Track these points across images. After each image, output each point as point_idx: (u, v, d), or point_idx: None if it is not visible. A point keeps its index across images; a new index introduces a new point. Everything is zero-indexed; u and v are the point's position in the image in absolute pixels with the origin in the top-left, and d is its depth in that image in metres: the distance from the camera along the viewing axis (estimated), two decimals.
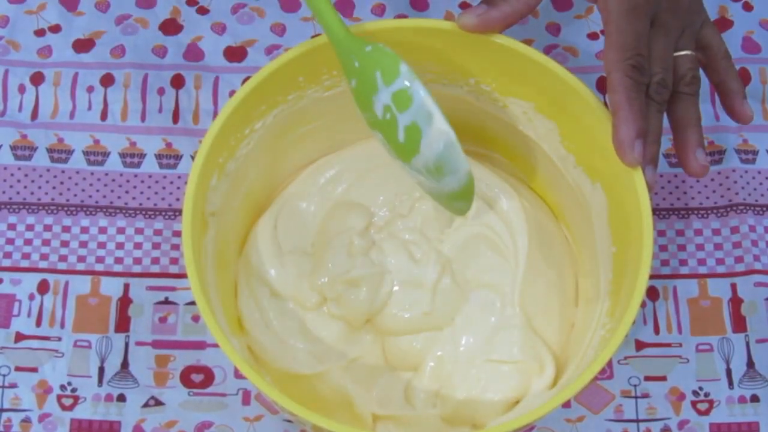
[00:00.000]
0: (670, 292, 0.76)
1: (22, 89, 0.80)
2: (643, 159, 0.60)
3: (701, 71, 0.64)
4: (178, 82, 0.81)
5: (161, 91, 0.81)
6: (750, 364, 0.74)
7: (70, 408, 0.72)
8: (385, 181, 0.72)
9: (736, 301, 0.75)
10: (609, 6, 0.60)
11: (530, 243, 0.71)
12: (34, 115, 0.80)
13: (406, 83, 0.59)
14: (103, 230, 0.77)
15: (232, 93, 0.80)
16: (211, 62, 0.82)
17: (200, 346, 0.74)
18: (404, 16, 0.83)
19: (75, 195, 0.78)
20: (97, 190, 0.78)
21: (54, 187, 0.78)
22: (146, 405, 0.72)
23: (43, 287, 0.75)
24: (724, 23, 0.83)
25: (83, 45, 0.82)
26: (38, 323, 0.74)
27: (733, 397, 0.73)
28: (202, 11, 0.83)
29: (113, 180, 0.78)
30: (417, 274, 0.70)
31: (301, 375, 0.68)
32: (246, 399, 0.73)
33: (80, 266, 0.76)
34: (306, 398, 0.67)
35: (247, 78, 0.64)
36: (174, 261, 0.76)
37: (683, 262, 0.76)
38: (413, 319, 0.69)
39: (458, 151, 0.60)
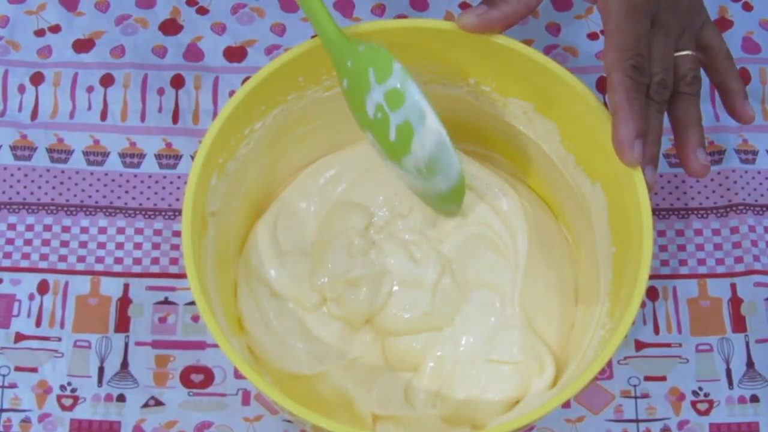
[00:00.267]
0: (670, 292, 0.76)
1: (21, 89, 0.80)
2: (643, 159, 0.60)
3: (702, 71, 0.64)
4: (178, 82, 0.81)
5: (161, 91, 0.81)
6: (750, 364, 0.74)
7: (70, 408, 0.72)
8: (385, 181, 0.72)
9: (735, 301, 0.75)
10: (609, 6, 0.60)
11: (530, 243, 0.71)
12: (34, 115, 0.80)
13: (399, 81, 0.59)
14: (102, 230, 0.77)
15: (232, 93, 0.80)
16: (211, 62, 0.82)
17: (200, 346, 0.74)
18: (404, 16, 0.83)
19: (75, 195, 0.78)
20: (97, 190, 0.78)
21: (54, 187, 0.78)
22: (146, 405, 0.72)
23: (42, 287, 0.75)
24: (724, 23, 0.83)
25: (83, 45, 0.82)
26: (38, 323, 0.74)
27: (733, 398, 0.73)
28: (202, 11, 0.83)
29: (113, 180, 0.78)
30: (417, 274, 0.70)
31: (301, 375, 0.68)
32: (246, 399, 0.73)
33: (80, 266, 0.76)
34: (306, 398, 0.67)
35: (247, 78, 0.64)
36: (174, 261, 0.76)
37: (683, 262, 0.76)
38: (413, 319, 0.69)
39: (450, 150, 0.59)
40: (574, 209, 0.71)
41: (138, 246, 0.76)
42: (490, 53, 0.65)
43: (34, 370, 0.73)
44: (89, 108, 0.80)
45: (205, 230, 0.65)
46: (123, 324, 0.74)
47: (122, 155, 0.79)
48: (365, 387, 0.69)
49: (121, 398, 0.72)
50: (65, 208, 0.77)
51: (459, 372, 0.69)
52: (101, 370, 0.73)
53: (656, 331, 0.75)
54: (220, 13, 0.83)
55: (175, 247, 0.76)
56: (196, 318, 0.74)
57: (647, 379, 0.73)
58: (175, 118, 0.80)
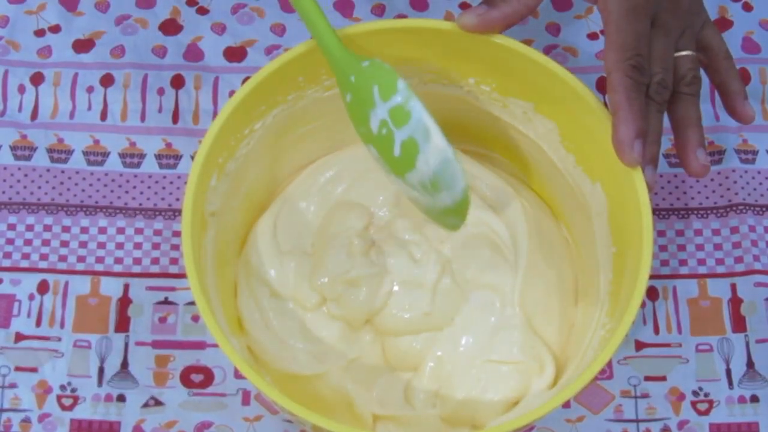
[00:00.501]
0: (670, 292, 0.76)
1: (21, 89, 0.80)
2: (643, 159, 0.60)
3: (702, 72, 0.64)
4: (177, 82, 0.81)
5: (161, 92, 0.81)
6: (750, 364, 0.74)
7: (70, 408, 0.72)
8: (385, 181, 0.72)
9: (735, 301, 0.75)
10: (609, 6, 0.60)
11: (530, 243, 0.71)
12: (34, 115, 0.80)
13: (404, 99, 0.59)
14: (102, 230, 0.77)
15: (232, 93, 0.80)
16: (211, 62, 0.82)
17: (200, 346, 0.74)
18: (404, 16, 0.83)
19: (75, 195, 0.78)
20: (97, 191, 0.78)
21: (54, 187, 0.78)
22: (146, 405, 0.72)
23: (42, 287, 0.75)
24: (724, 23, 0.83)
25: (83, 45, 0.82)
26: (38, 323, 0.74)
27: (733, 398, 0.73)
28: (202, 11, 0.83)
29: (113, 180, 0.78)
30: (417, 274, 0.70)
31: (301, 375, 0.68)
32: (246, 399, 0.73)
33: (80, 266, 0.76)
34: (306, 398, 0.67)
35: (247, 78, 0.64)
36: (174, 261, 0.76)
37: (683, 262, 0.76)
38: (413, 320, 0.69)
39: (455, 168, 0.59)
40: (574, 209, 0.71)
41: (138, 246, 0.76)
42: (490, 53, 0.65)
43: (34, 370, 0.73)
44: (89, 108, 0.80)
45: (205, 230, 0.65)
46: (123, 324, 0.74)
47: (122, 155, 0.79)
48: (365, 387, 0.69)
49: (121, 398, 0.72)
50: (65, 208, 0.77)
51: (459, 372, 0.69)
52: (101, 370, 0.73)
53: (656, 331, 0.75)
54: (220, 13, 0.83)
55: (175, 247, 0.76)
56: (196, 318, 0.74)
57: (647, 379, 0.73)
58: (175, 118, 0.80)
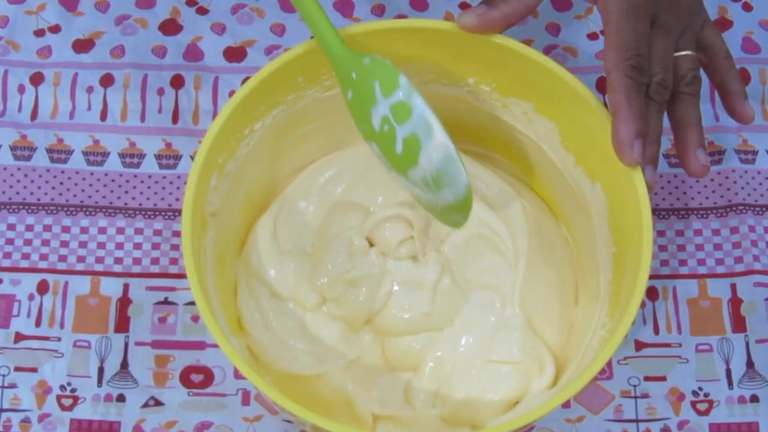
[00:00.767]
0: (670, 292, 0.76)
1: (21, 89, 0.80)
2: (643, 159, 0.60)
3: (702, 72, 0.64)
4: (177, 82, 0.81)
5: (161, 92, 0.81)
6: (750, 364, 0.74)
7: (70, 408, 0.72)
8: (385, 181, 0.72)
9: (735, 302, 0.75)
10: (609, 6, 0.60)
11: (530, 243, 0.71)
12: (34, 115, 0.80)
13: (406, 95, 0.59)
14: (102, 230, 0.77)
15: (231, 93, 0.80)
16: (211, 62, 0.82)
17: (200, 346, 0.74)
18: (404, 16, 0.83)
19: (74, 195, 0.78)
20: (97, 191, 0.78)
21: (53, 188, 0.78)
22: (146, 405, 0.72)
23: (42, 287, 0.75)
24: (724, 23, 0.83)
25: (83, 45, 0.82)
26: (38, 323, 0.74)
27: (733, 398, 0.73)
28: (202, 11, 0.83)
29: (113, 180, 0.78)
30: (417, 274, 0.70)
31: (301, 375, 0.68)
32: (246, 399, 0.73)
33: (80, 266, 0.76)
34: (306, 399, 0.67)
35: (247, 78, 0.64)
36: (174, 261, 0.76)
37: (683, 263, 0.76)
38: (413, 320, 0.69)
39: (458, 164, 0.59)
40: (574, 209, 0.71)
41: (138, 246, 0.76)
42: (490, 53, 0.65)
43: (33, 370, 0.73)
44: (89, 108, 0.80)
45: (205, 230, 0.65)
46: (123, 324, 0.74)
47: (122, 155, 0.79)
48: (365, 387, 0.69)
49: (120, 398, 0.72)
50: (65, 208, 0.77)
51: (459, 372, 0.69)
52: (101, 370, 0.73)
53: (656, 331, 0.75)
54: (220, 13, 0.83)
55: (175, 247, 0.76)
56: (196, 318, 0.74)
57: (647, 379, 0.73)
58: (175, 118, 0.80)
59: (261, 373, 0.67)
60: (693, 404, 0.73)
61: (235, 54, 0.82)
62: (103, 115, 0.80)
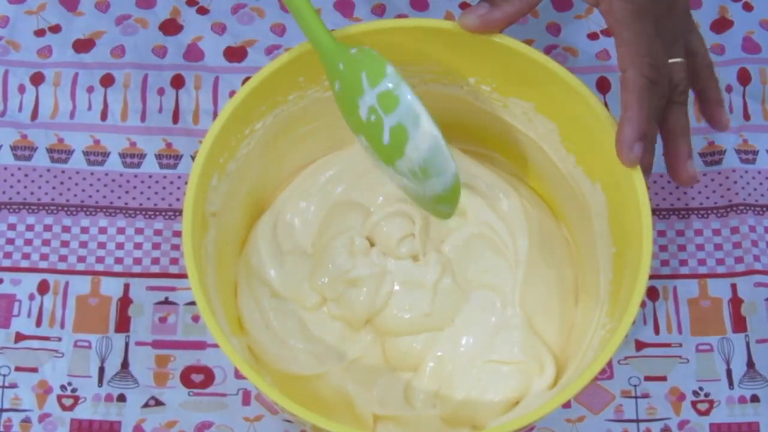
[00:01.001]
0: (670, 292, 0.76)
1: (22, 89, 0.80)
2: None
3: None
4: (178, 82, 0.81)
5: (161, 92, 0.81)
6: (750, 364, 0.74)
7: (70, 408, 0.72)
8: (385, 181, 0.72)
9: (736, 302, 0.75)
10: (613, 7, 0.60)
11: (530, 243, 0.71)
12: (34, 115, 0.80)
13: (392, 84, 0.59)
14: (103, 230, 0.77)
15: (232, 93, 0.80)
16: (211, 62, 0.82)
17: (200, 346, 0.74)
18: (404, 16, 0.83)
19: (75, 195, 0.78)
20: (97, 191, 0.78)
21: (54, 187, 0.78)
22: (146, 405, 0.72)
23: (43, 287, 0.75)
24: (724, 23, 0.83)
25: (83, 45, 0.82)
26: (38, 323, 0.74)
27: (733, 397, 0.73)
28: (202, 11, 0.83)
29: (113, 180, 0.78)
30: (417, 274, 0.70)
31: (302, 375, 0.68)
32: (246, 399, 0.73)
33: (80, 266, 0.76)
34: (306, 399, 0.67)
35: (247, 78, 0.64)
36: (174, 261, 0.76)
37: (683, 263, 0.76)
38: (413, 320, 0.69)
39: (445, 153, 0.59)
40: (574, 209, 0.71)
41: (138, 246, 0.76)
42: (490, 53, 0.65)
43: (34, 370, 0.73)
44: (89, 108, 0.80)
45: (205, 230, 0.65)
46: (123, 324, 0.74)
47: (122, 155, 0.79)
48: (365, 387, 0.69)
49: (121, 398, 0.72)
50: (65, 208, 0.77)
51: (459, 372, 0.69)
52: (101, 370, 0.73)
53: (656, 331, 0.75)
54: (220, 13, 0.83)
55: (176, 247, 0.76)
56: (196, 318, 0.74)
57: (647, 379, 0.73)
58: (176, 118, 0.80)
59: (261, 373, 0.67)
60: (693, 404, 0.73)
61: (236, 54, 0.82)
62: (104, 115, 0.80)
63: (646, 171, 0.61)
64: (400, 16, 0.83)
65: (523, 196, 0.73)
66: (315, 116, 0.70)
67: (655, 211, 0.77)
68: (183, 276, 0.75)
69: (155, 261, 0.76)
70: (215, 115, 0.79)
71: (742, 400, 0.73)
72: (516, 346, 0.69)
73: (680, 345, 0.74)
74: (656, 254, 0.76)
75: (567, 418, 0.72)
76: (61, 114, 0.80)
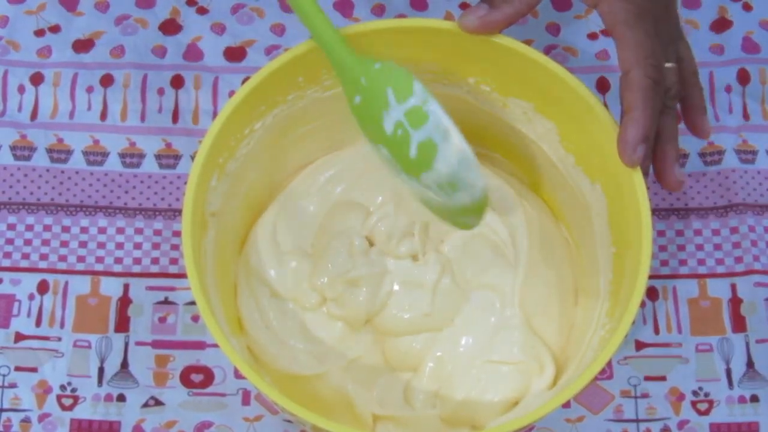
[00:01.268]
0: (670, 292, 0.76)
1: (21, 89, 0.80)
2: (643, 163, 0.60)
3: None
4: (177, 82, 0.81)
5: (161, 92, 0.81)
6: (750, 364, 0.74)
7: (70, 408, 0.72)
8: (385, 181, 0.72)
9: (735, 302, 0.75)
10: (614, 9, 0.60)
11: (530, 243, 0.71)
12: (34, 115, 0.80)
13: (422, 101, 0.59)
14: (102, 230, 0.77)
15: (231, 93, 0.80)
16: (211, 62, 0.82)
17: (200, 346, 0.74)
18: (404, 16, 0.83)
19: (74, 195, 0.78)
20: (97, 191, 0.78)
21: (53, 188, 0.78)
22: (146, 405, 0.72)
23: (42, 287, 0.75)
24: (724, 23, 0.83)
25: (83, 45, 0.82)
26: (38, 323, 0.74)
27: (733, 397, 0.73)
28: (202, 11, 0.83)
29: (113, 180, 0.78)
30: (417, 274, 0.70)
31: (301, 375, 0.68)
32: (246, 399, 0.73)
33: (80, 266, 0.76)
34: (306, 399, 0.67)
35: (247, 78, 0.64)
36: (174, 261, 0.76)
37: (683, 263, 0.76)
38: (413, 320, 0.69)
39: (474, 167, 0.59)
40: (574, 209, 0.71)
41: (138, 246, 0.76)
42: (490, 53, 0.65)
43: (34, 370, 0.73)
44: (89, 108, 0.80)
45: (205, 230, 0.65)
46: (123, 324, 0.74)
47: (122, 155, 0.79)
48: (365, 387, 0.69)
49: (121, 398, 0.72)
50: (65, 208, 0.77)
51: (459, 372, 0.69)
52: (101, 370, 0.73)
53: (656, 331, 0.75)
54: (220, 13, 0.83)
55: (175, 247, 0.76)
56: (196, 318, 0.74)
57: (647, 379, 0.73)
58: (175, 118, 0.80)
59: (261, 373, 0.67)
60: (693, 404, 0.73)
61: (235, 54, 0.82)
62: (103, 115, 0.80)
63: (646, 172, 0.61)
64: (399, 16, 0.83)
65: (522, 196, 0.73)
66: (314, 116, 0.70)
67: (655, 211, 0.77)
68: (183, 276, 0.75)
69: (155, 261, 0.76)
70: (215, 115, 0.79)
71: (741, 400, 0.73)
72: (515, 346, 0.69)
73: (680, 345, 0.74)
74: (656, 254, 0.76)
75: (567, 418, 0.72)
76: (61, 114, 0.80)
